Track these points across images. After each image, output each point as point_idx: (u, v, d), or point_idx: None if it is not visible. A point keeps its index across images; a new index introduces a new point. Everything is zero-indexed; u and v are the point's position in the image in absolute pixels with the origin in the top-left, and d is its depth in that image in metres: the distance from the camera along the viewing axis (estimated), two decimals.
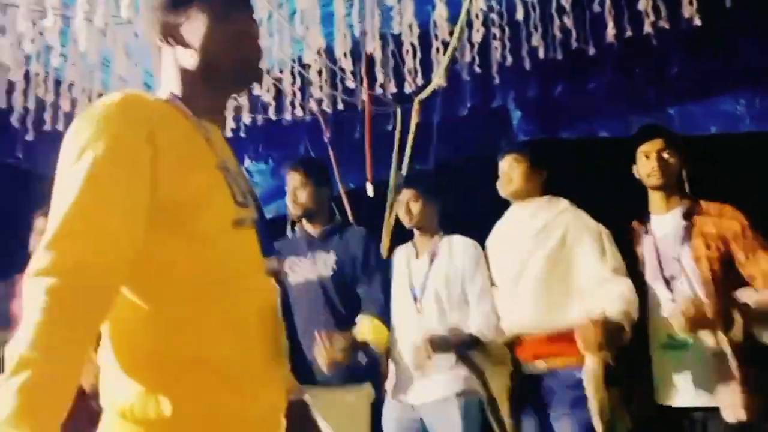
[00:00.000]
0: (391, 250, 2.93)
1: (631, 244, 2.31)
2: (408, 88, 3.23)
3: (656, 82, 3.25)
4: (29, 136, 3.26)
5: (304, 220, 2.57)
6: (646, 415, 2.16)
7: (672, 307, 2.10)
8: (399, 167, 3.42)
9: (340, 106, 3.46)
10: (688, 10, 2.71)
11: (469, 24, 3.01)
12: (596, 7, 2.77)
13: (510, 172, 2.45)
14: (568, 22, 2.91)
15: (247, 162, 4.09)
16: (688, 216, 2.22)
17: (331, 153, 3.58)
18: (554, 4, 2.90)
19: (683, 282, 2.12)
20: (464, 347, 2.31)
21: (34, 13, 2.45)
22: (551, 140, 3.80)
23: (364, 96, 3.29)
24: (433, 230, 2.59)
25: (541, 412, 2.28)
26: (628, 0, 2.79)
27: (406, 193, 2.59)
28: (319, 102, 3.42)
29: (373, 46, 2.91)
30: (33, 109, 3.12)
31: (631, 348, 2.11)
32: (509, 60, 3.13)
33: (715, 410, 2.00)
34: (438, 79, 3.05)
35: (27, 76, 3.01)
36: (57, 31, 2.44)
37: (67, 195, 0.89)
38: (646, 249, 2.26)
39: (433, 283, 2.46)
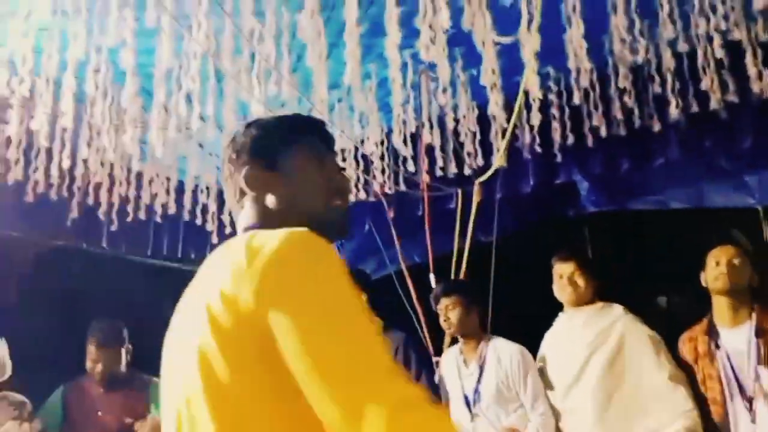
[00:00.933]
0: None
1: (698, 356, 2.24)
2: (468, 170, 3.26)
3: (729, 153, 3.12)
4: (113, 227, 3.50)
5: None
6: None
7: (753, 428, 2.03)
8: (461, 245, 3.42)
9: (402, 188, 3.52)
10: (757, 85, 2.60)
11: (528, 106, 3.02)
12: (657, 88, 2.71)
13: (570, 277, 2.45)
14: (629, 101, 2.86)
15: None
16: (760, 333, 2.13)
17: (393, 232, 3.63)
18: (613, 86, 2.87)
19: (763, 402, 2.04)
20: None
21: (114, 126, 2.67)
22: (621, 212, 3.70)
23: (423, 181, 3.34)
24: (478, 335, 2.61)
25: None
26: (691, 78, 2.71)
27: (444, 302, 2.61)
28: (382, 185, 3.49)
29: (430, 136, 2.97)
30: (117, 203, 3.35)
31: None
32: (570, 139, 3.10)
33: None
34: (498, 161, 3.05)
35: (111, 176, 3.25)
36: (136, 141, 2.64)
37: (346, 327, 0.80)
38: (720, 365, 2.18)
39: (486, 391, 2.48)
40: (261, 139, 1.07)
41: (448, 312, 2.59)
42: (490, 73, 2.47)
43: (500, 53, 2.46)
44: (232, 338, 0.84)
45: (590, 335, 2.36)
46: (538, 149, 3.19)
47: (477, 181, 3.11)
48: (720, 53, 2.40)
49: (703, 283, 2.31)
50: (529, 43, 2.35)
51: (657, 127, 2.94)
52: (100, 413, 2.87)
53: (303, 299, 0.82)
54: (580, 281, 2.44)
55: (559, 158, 3.21)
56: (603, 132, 3.01)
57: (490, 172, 2.91)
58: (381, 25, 2.38)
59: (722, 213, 3.35)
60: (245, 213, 1.05)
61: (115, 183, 3.27)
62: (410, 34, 2.21)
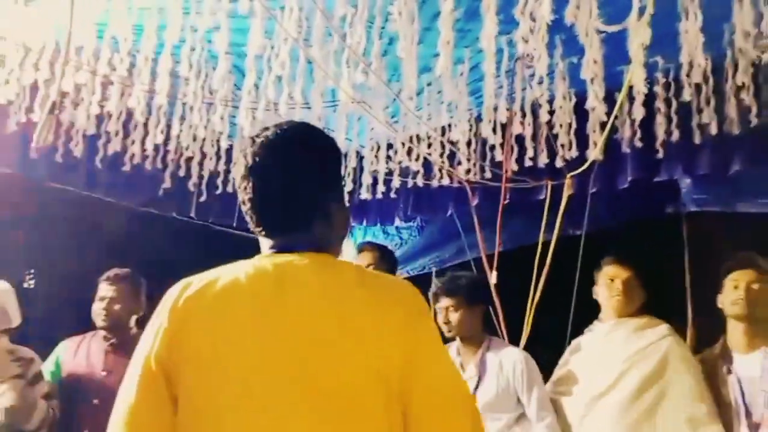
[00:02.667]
0: None
1: (711, 379, 2.17)
2: (560, 162, 3.09)
3: None
4: (202, 198, 3.60)
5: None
6: None
7: None
8: (547, 238, 3.28)
9: (488, 175, 3.40)
10: None
11: (630, 98, 2.81)
12: None
13: (626, 282, 2.30)
14: (746, 98, 2.60)
15: (397, 221, 4.17)
16: None
17: (475, 219, 3.53)
18: (729, 81, 2.62)
19: None
20: None
21: (205, 104, 2.71)
22: (726, 213, 3.42)
23: (514, 167, 3.20)
24: (478, 339, 2.47)
25: None
26: None
27: (445, 302, 2.46)
28: (467, 171, 3.38)
29: (521, 126, 2.83)
30: (206, 176, 3.43)
31: None
32: (675, 135, 2.87)
33: None
34: (594, 154, 2.87)
35: (201, 150, 3.33)
36: (226, 119, 2.67)
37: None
38: (730, 389, 2.12)
39: (482, 398, 2.35)
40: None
41: (449, 314, 2.45)
42: (591, 65, 2.31)
43: (603, 41, 2.29)
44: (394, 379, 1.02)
45: (631, 350, 2.23)
46: (639, 144, 2.98)
47: (569, 174, 2.95)
48: None
49: (719, 305, 2.22)
50: (639, 34, 2.17)
51: None
52: (104, 373, 2.56)
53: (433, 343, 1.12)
54: (635, 290, 2.31)
55: (660, 154, 2.99)
56: (713, 129, 2.77)
57: (585, 166, 2.74)
58: (476, 9, 2.27)
59: None
60: (317, 234, 1.15)
61: (205, 157, 3.34)
62: (507, 19, 2.08)
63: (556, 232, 3.25)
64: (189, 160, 3.34)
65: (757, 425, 2.03)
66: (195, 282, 1.11)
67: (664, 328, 2.28)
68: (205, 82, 2.57)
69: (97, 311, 2.66)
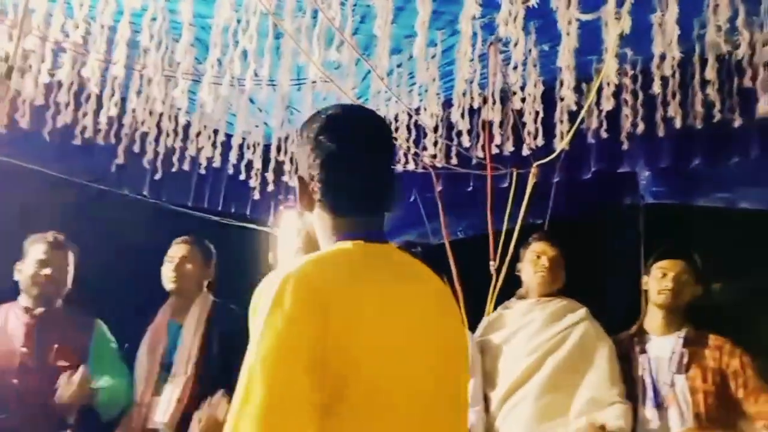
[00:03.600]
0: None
1: (622, 359, 2.26)
2: (526, 150, 3.09)
3: None
4: (157, 176, 3.45)
5: None
6: None
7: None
8: (511, 226, 3.29)
9: (454, 161, 3.37)
10: None
11: (599, 89, 2.82)
12: (747, 82, 2.48)
13: (551, 260, 2.34)
14: (711, 93, 2.63)
15: None
16: (687, 343, 2.19)
17: (440, 206, 3.50)
18: (697, 75, 2.65)
19: (675, 410, 2.10)
20: None
21: (165, 77, 2.57)
22: (683, 206, 3.50)
23: (480, 153, 3.17)
24: None
25: None
26: None
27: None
28: (433, 156, 3.34)
29: (492, 112, 2.80)
30: (162, 153, 3.28)
31: None
32: (640, 127, 2.90)
33: None
34: (562, 144, 2.87)
35: (158, 126, 3.18)
36: (186, 94, 2.54)
37: None
38: (640, 369, 2.22)
39: None
40: None
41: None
42: (566, 53, 2.29)
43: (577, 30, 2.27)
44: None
45: (549, 333, 2.27)
46: (605, 135, 2.99)
47: (535, 163, 2.95)
48: None
49: (644, 287, 2.33)
50: (615, 24, 2.15)
51: (738, 122, 2.72)
52: (24, 350, 2.36)
53: None
54: (559, 269, 2.36)
55: (625, 146, 3.01)
56: (678, 123, 2.80)
57: (553, 156, 2.74)
58: None
59: None
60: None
61: (161, 133, 3.19)
62: (484, 2, 2.03)
63: (520, 220, 3.25)
64: (144, 135, 3.18)
65: (660, 405, 2.15)
66: (336, 279, 1.04)
67: (582, 312, 2.32)
68: (165, 53, 2.43)
69: (28, 283, 2.51)
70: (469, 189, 3.54)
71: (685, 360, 2.19)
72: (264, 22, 2.20)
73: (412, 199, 3.77)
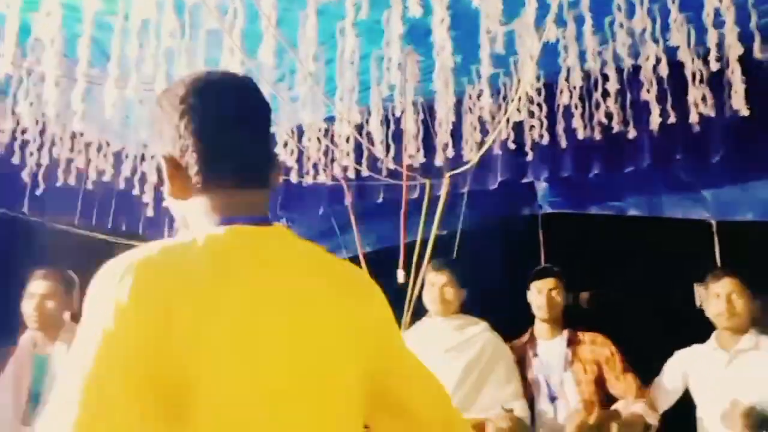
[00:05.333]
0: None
1: (519, 363, 2.64)
2: (438, 160, 3.12)
3: (694, 166, 3.17)
4: (39, 191, 3.11)
5: None
6: None
7: (555, 423, 2.48)
8: (425, 236, 3.30)
9: (365, 173, 3.34)
10: (737, 101, 2.61)
11: (506, 101, 2.92)
12: (643, 94, 2.67)
13: (441, 288, 2.64)
14: (612, 106, 2.81)
15: None
16: (569, 344, 2.62)
17: (351, 218, 3.45)
18: (600, 89, 2.82)
19: (565, 401, 2.51)
20: None
21: (58, 77, 2.31)
22: (578, 214, 3.70)
23: (391, 166, 3.17)
24: None
25: None
26: (676, 89, 2.69)
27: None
28: (344, 169, 3.29)
29: (406, 123, 2.80)
30: (45, 165, 2.96)
31: None
32: (545, 138, 3.03)
33: None
34: (475, 157, 2.93)
35: (43, 132, 2.86)
36: (82, 98, 2.31)
37: None
38: (535, 370, 2.63)
39: None
40: None
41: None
42: (486, 64, 2.35)
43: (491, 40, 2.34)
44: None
45: (454, 341, 2.58)
46: (512, 146, 3.10)
47: (448, 174, 2.99)
48: (715, 67, 2.38)
49: (529, 301, 2.73)
50: (533, 37, 2.23)
51: (633, 134, 2.92)
52: None
53: None
54: (449, 294, 2.64)
55: (529, 157, 3.14)
56: (580, 135, 2.96)
57: (467, 167, 2.79)
58: None
59: (677, 224, 3.42)
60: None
61: (45, 142, 2.88)
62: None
63: (434, 230, 3.28)
64: (25, 143, 2.85)
65: (554, 398, 2.56)
66: (189, 274, 0.87)
67: (483, 325, 2.68)
68: (61, 51, 2.19)
69: None
70: (380, 201, 3.53)
71: (569, 358, 2.60)
72: (180, 16, 2.05)
73: (321, 211, 3.69)
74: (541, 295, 2.68)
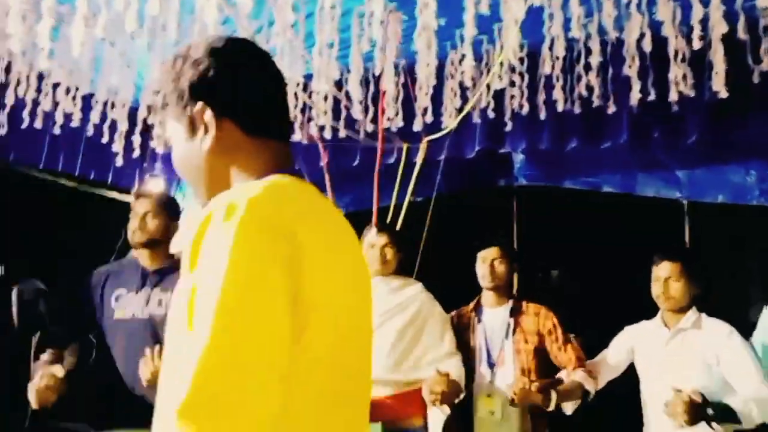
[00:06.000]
0: None
1: (464, 328, 2.69)
2: (416, 125, 3.08)
3: (670, 146, 3.18)
4: (2, 131, 3.00)
5: (141, 250, 2.35)
6: None
7: (491, 387, 2.57)
8: (398, 201, 3.29)
9: (342, 134, 3.29)
10: (717, 82, 2.61)
11: (489, 68, 2.88)
12: (625, 69, 2.65)
13: (382, 248, 2.65)
14: (593, 79, 2.79)
15: None
16: (513, 313, 2.66)
17: (327, 179, 3.41)
18: (582, 61, 2.79)
19: (503, 367, 2.58)
20: None
21: (25, 11, 2.21)
22: (552, 188, 3.71)
23: (368, 128, 3.12)
24: None
25: None
26: (658, 66, 2.68)
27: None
28: (321, 128, 3.23)
29: (388, 84, 2.75)
30: (10, 105, 2.86)
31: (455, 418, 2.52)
32: (525, 108, 3.01)
33: None
34: (452, 122, 2.90)
35: (8, 70, 2.75)
36: (49, 34, 2.21)
37: None
38: (477, 336, 2.68)
39: None
40: None
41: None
42: (470, 27, 2.30)
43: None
44: None
45: (392, 303, 2.60)
46: (491, 114, 3.07)
47: (426, 138, 2.95)
48: (698, 45, 2.36)
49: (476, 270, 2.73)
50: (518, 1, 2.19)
51: (612, 109, 2.91)
52: None
53: None
54: (390, 254, 2.66)
55: (508, 127, 3.12)
56: (560, 107, 2.94)
57: (444, 132, 2.75)
58: None
59: (649, 202, 3.45)
60: None
61: (11, 81, 2.77)
62: None
63: (408, 195, 3.26)
64: None
65: (493, 365, 2.61)
66: (299, 208, 0.91)
67: (419, 286, 2.71)
68: None
69: None
70: (356, 163, 3.49)
71: (512, 326, 2.64)
72: None
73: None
74: (485, 264, 2.70)
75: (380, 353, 2.49)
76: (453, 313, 2.77)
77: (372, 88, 3.15)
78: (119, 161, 3.37)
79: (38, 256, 3.53)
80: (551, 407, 2.41)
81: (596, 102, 2.89)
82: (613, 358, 2.60)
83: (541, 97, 3.03)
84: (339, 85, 2.93)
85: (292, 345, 0.80)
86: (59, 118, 3.07)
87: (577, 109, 2.98)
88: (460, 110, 2.99)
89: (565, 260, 4.51)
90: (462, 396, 2.49)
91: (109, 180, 3.69)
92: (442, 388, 2.36)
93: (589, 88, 2.85)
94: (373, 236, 2.68)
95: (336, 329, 0.88)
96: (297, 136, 3.29)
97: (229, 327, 0.75)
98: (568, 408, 2.53)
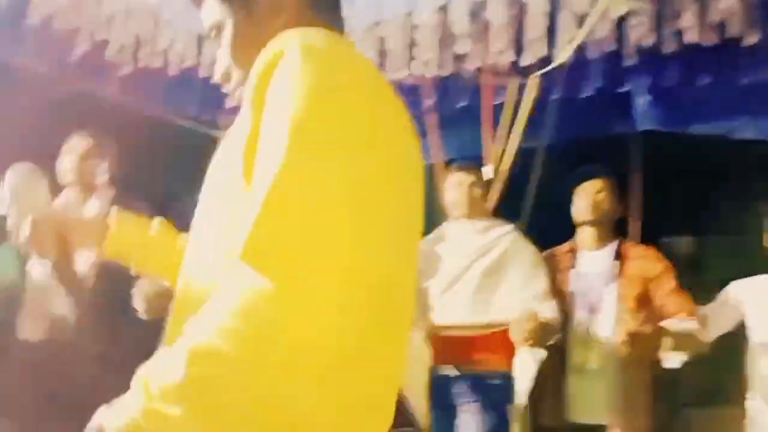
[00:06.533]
0: None
1: (559, 271, 2.51)
2: (526, 59, 2.88)
3: None
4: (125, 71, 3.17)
5: None
6: (554, 428, 2.44)
7: (589, 336, 2.36)
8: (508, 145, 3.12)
9: (448, 71, 3.15)
10: None
11: None
12: None
13: (472, 186, 2.58)
14: (732, 3, 2.46)
15: None
16: (617, 256, 2.45)
17: (432, 122, 3.30)
18: None
19: (603, 316, 2.38)
20: None
21: None
22: (680, 134, 3.37)
23: (479, 64, 2.96)
24: None
25: (451, 411, 2.42)
26: None
27: None
28: (425, 64, 3.11)
29: (497, 13, 2.58)
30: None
31: (546, 367, 2.36)
32: (650, 40, 2.72)
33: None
34: (564, 56, 2.69)
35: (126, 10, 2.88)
36: None
37: None
38: (573, 281, 2.49)
39: None
40: None
41: None
42: None
43: None
44: None
45: (478, 243, 2.51)
46: (611, 47, 2.81)
47: (538, 73, 2.76)
48: None
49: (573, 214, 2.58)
50: None
51: (753, 39, 2.56)
52: None
53: None
54: (476, 193, 2.57)
55: (629, 62, 2.84)
56: (691, 37, 2.62)
57: (555, 63, 2.55)
58: None
59: None
60: None
61: (129, 18, 2.89)
62: None
63: (518, 140, 3.08)
64: (111, 18, 2.88)
65: (592, 311, 2.43)
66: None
67: (508, 227, 2.58)
68: None
69: None
70: (463, 104, 3.34)
71: (615, 271, 2.45)
72: None
73: None
74: (585, 195, 2.50)
75: (463, 296, 2.42)
76: (546, 253, 2.58)
77: (479, 18, 2.97)
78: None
79: None
80: (663, 354, 2.25)
81: (734, 32, 2.55)
82: (723, 311, 2.42)
83: (669, 28, 2.72)
84: (443, 16, 2.80)
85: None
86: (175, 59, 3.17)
87: (709, 41, 2.65)
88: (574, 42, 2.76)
89: (693, 219, 4.15)
90: (556, 338, 2.36)
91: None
92: (532, 326, 2.22)
93: (726, 14, 2.51)
94: (461, 174, 2.56)
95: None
96: (400, 75, 3.20)
97: (306, 163, 0.69)
98: (676, 360, 2.34)
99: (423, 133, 3.49)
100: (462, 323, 2.41)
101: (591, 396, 2.35)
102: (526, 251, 2.50)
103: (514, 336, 2.25)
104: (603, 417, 2.34)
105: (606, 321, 2.38)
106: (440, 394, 2.45)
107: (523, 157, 3.11)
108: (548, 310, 2.35)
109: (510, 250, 2.47)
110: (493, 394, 2.34)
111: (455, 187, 2.58)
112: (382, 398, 0.79)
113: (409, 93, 3.44)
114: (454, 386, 2.42)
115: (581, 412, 2.37)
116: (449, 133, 3.53)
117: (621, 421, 2.31)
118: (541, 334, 2.24)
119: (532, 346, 2.26)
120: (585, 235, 2.52)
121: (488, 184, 2.61)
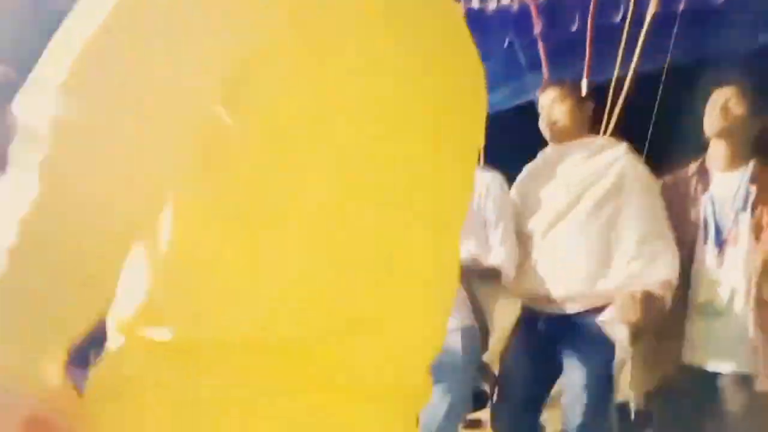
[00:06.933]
0: None
1: (682, 197, 2.16)
2: None
3: None
4: None
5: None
6: (672, 373, 2.12)
7: (717, 272, 2.04)
8: (622, 72, 2.86)
9: None
10: None
11: None
12: None
13: (552, 109, 2.24)
14: None
15: None
16: (754, 179, 2.06)
17: (540, 48, 3.10)
18: None
19: (736, 249, 2.03)
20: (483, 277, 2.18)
21: None
22: None
23: None
24: None
25: (554, 354, 2.18)
26: None
27: None
28: None
29: None
30: None
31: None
32: None
33: (745, 377, 1.98)
34: None
35: None
36: None
37: None
38: (701, 207, 2.13)
39: None
40: None
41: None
42: None
43: None
44: None
45: (586, 171, 2.20)
46: None
47: None
48: None
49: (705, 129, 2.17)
50: None
51: None
52: None
53: None
54: (580, 112, 2.25)
55: None
56: None
57: None
58: None
59: None
60: None
61: None
62: None
63: (634, 62, 2.81)
64: None
65: (724, 242, 2.08)
66: None
67: (621, 148, 2.24)
68: None
69: None
70: (574, 28, 3.09)
71: (751, 197, 2.07)
72: None
73: (506, 44, 3.35)
74: (715, 106, 2.10)
75: (572, 230, 2.16)
76: (666, 177, 2.25)
77: None
78: None
79: None
80: None
81: None
82: None
83: None
84: None
85: None
86: None
87: None
88: None
89: None
90: (668, 306, 2.03)
91: None
92: (636, 316, 1.94)
93: None
94: (552, 90, 2.27)
95: None
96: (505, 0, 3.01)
97: None
98: None
99: (534, 66, 3.26)
100: (566, 295, 2.12)
101: (716, 340, 2.06)
102: (642, 181, 2.18)
103: (618, 316, 2.00)
104: (729, 364, 2.06)
105: (738, 255, 2.04)
106: (535, 336, 2.25)
107: (643, 80, 2.84)
108: (663, 271, 2.05)
109: (625, 178, 2.16)
110: (599, 337, 2.05)
111: (553, 105, 2.26)
112: None
113: (515, 22, 3.25)
114: (552, 328, 2.20)
115: (703, 357, 2.08)
116: (559, 62, 3.31)
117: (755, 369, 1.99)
118: (648, 315, 1.95)
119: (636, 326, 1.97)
120: (716, 151, 2.15)
121: (587, 99, 2.28)
